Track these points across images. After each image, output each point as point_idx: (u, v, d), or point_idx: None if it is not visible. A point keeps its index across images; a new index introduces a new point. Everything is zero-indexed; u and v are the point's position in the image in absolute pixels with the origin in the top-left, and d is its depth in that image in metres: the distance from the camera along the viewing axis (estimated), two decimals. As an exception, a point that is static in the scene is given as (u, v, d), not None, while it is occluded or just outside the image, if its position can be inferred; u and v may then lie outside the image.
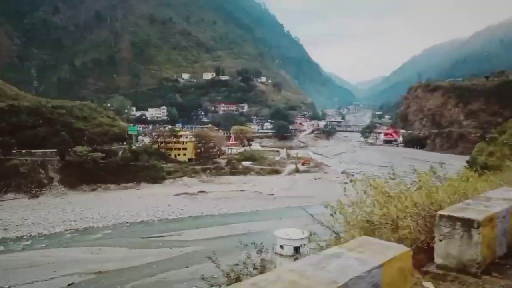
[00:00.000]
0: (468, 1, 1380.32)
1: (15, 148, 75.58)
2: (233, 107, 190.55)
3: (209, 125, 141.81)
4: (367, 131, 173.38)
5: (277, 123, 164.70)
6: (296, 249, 28.36)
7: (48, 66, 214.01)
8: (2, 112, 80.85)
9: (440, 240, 2.90)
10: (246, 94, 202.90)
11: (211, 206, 64.95)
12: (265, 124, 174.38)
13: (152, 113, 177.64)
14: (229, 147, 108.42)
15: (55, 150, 77.23)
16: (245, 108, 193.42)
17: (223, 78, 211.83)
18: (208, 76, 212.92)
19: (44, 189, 71.96)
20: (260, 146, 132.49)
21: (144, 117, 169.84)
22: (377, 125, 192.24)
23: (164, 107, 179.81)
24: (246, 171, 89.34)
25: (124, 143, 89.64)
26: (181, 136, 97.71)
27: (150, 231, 53.10)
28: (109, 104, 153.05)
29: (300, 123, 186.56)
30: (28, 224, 55.17)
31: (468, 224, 2.80)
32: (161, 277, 38.01)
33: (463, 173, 4.92)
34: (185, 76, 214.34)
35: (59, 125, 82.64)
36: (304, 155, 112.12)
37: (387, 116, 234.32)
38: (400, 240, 3.12)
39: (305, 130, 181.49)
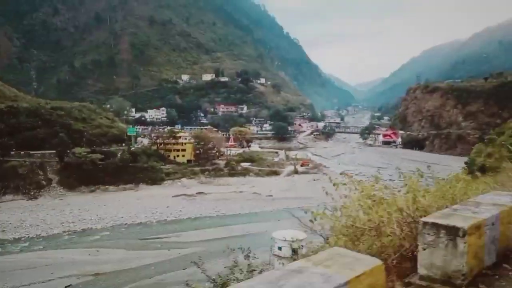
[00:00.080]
0: (467, 2, 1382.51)
1: (14, 149, 75.50)
2: (233, 108, 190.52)
3: (208, 126, 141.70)
4: (366, 132, 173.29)
5: (276, 124, 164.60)
6: (294, 251, 28.36)
7: (47, 68, 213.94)
8: (1, 114, 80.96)
9: (424, 249, 2.74)
10: (246, 96, 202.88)
11: (209, 208, 64.90)
12: (264, 125, 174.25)
13: (151, 114, 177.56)
14: (228, 149, 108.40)
15: (54, 151, 77.10)
16: (244, 109, 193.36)
17: (223, 79, 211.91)
18: (207, 77, 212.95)
19: (42, 190, 71.87)
20: (259, 147, 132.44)
21: (143, 118, 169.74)
22: (376, 126, 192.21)
23: (163, 108, 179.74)
24: (245, 173, 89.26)
25: (123, 144, 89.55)
26: (180, 137, 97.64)
27: (149, 232, 53.07)
28: (108, 106, 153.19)
29: (299, 125, 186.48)
30: (26, 225, 55.07)
31: (453, 232, 2.65)
32: (159, 278, 37.97)
33: (454, 176, 4.83)
34: (185, 77, 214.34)
35: (58, 127, 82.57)
36: (303, 157, 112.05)
37: (386, 118, 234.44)
38: (383, 248, 3.03)
39: (304, 131, 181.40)
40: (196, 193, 73.40)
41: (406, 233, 3.11)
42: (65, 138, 78.03)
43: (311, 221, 3.56)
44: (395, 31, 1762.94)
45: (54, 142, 77.06)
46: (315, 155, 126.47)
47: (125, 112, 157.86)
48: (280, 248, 30.89)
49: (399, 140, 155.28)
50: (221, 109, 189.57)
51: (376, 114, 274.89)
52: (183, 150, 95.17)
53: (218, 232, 50.26)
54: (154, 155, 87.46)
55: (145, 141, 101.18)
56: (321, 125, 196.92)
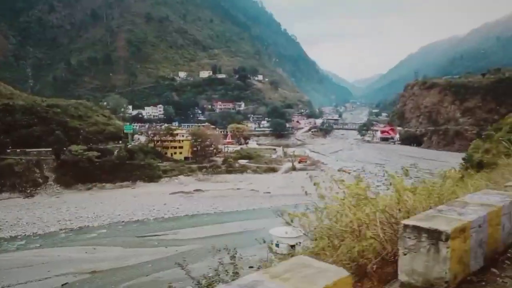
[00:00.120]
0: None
1: (10, 147, 75.17)
2: (230, 105, 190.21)
3: (206, 124, 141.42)
4: (364, 128, 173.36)
5: (274, 121, 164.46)
6: (292, 247, 28.27)
7: (43, 65, 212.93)
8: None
9: (405, 254, 2.53)
10: (243, 92, 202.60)
11: (207, 205, 64.70)
12: (262, 122, 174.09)
13: (148, 111, 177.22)
14: (226, 146, 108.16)
15: (50, 149, 76.76)
16: (242, 106, 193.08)
17: (220, 76, 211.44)
18: (204, 74, 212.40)
19: (39, 188, 71.52)
20: (257, 144, 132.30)
21: (140, 115, 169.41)
22: (374, 122, 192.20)
23: (160, 105, 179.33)
24: (242, 169, 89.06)
25: (120, 141, 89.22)
26: (177, 134, 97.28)
27: (146, 230, 52.82)
28: (105, 103, 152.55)
29: (297, 121, 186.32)
30: (23, 223, 54.76)
31: (435, 236, 2.44)
32: (156, 276, 37.72)
33: (443, 173, 4.56)
34: (182, 74, 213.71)
35: (54, 124, 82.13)
36: (301, 153, 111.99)
37: (384, 114, 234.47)
38: (365, 251, 2.81)
39: (302, 128, 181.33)
40: (194, 190, 73.19)
41: (388, 236, 2.89)
42: (61, 135, 77.59)
43: (287, 223, 3.34)
44: (393, 28, 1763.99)
45: (50, 140, 76.65)
46: (313, 151, 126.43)
47: (122, 109, 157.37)
48: (277, 245, 30.77)
49: (397, 136, 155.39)
50: (219, 106, 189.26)
51: (374, 111, 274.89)
52: (180, 147, 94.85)
53: (216, 229, 50.08)
54: (151, 153, 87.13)
55: (142, 139, 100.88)
56: (319, 121, 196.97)
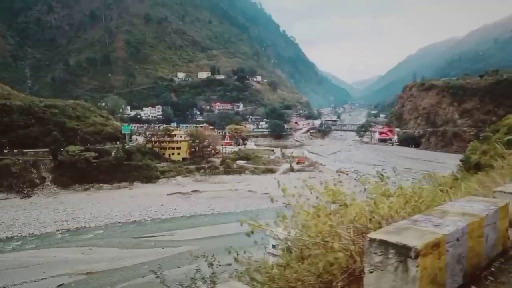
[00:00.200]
0: (464, 1, 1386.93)
1: (7, 147, 74.85)
2: (229, 106, 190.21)
3: (204, 124, 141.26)
4: (362, 130, 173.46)
5: (272, 122, 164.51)
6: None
7: (42, 66, 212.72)
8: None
9: (371, 272, 2.25)
10: (242, 93, 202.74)
11: (204, 206, 64.53)
12: (261, 123, 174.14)
13: (147, 112, 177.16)
14: (224, 146, 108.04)
15: (48, 149, 76.47)
16: (241, 107, 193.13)
17: (219, 77, 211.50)
18: (203, 75, 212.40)
19: (36, 189, 71.22)
20: (255, 145, 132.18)
21: (139, 116, 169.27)
22: (372, 124, 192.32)
23: (159, 106, 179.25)
24: (240, 170, 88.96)
25: (118, 142, 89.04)
26: (175, 135, 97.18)
27: (142, 231, 52.62)
28: (103, 104, 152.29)
29: (296, 122, 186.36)
30: (19, 224, 54.49)
31: (403, 253, 2.14)
32: (152, 277, 37.46)
33: (428, 175, 4.36)
34: (180, 75, 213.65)
35: (51, 125, 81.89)
36: (299, 154, 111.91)
37: (382, 115, 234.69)
38: (331, 266, 2.56)
39: (301, 129, 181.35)
40: (191, 191, 72.99)
41: (359, 248, 2.59)
42: (59, 136, 77.36)
43: (247, 235, 3.18)
44: (392, 29, 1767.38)
45: (48, 140, 76.41)
46: (311, 152, 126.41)
47: (120, 110, 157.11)
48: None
49: (395, 137, 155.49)
50: (217, 107, 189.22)
51: (372, 112, 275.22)
52: (178, 148, 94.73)
53: (213, 230, 49.92)
54: (149, 153, 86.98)
55: (140, 139, 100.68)
56: (317, 123, 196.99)
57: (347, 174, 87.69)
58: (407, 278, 2.14)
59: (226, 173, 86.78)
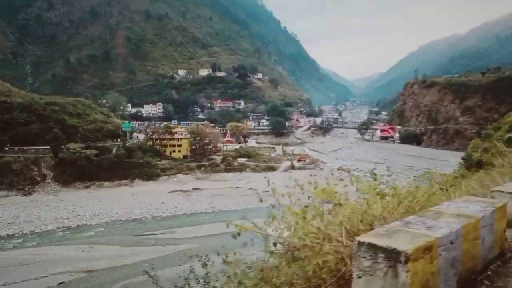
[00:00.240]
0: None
1: (8, 145, 74.95)
2: (229, 104, 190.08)
3: (205, 122, 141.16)
4: (364, 127, 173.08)
5: (274, 119, 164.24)
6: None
7: (42, 62, 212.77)
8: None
9: (359, 277, 2.15)
10: (243, 91, 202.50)
11: (205, 203, 64.51)
12: (262, 120, 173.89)
13: (147, 109, 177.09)
14: (225, 144, 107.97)
15: (48, 147, 76.49)
16: (242, 104, 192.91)
17: (219, 74, 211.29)
18: (204, 72, 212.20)
19: (37, 186, 71.32)
20: (256, 142, 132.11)
21: (139, 113, 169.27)
22: (374, 121, 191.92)
23: (159, 103, 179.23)
24: (241, 168, 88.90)
25: (118, 140, 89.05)
26: (176, 132, 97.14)
27: (143, 228, 52.65)
28: (104, 101, 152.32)
29: (297, 120, 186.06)
30: (20, 222, 54.53)
31: (392, 257, 2.03)
32: (152, 275, 37.56)
33: (426, 174, 4.26)
34: (181, 72, 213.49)
35: (52, 122, 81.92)
36: (300, 152, 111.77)
37: (384, 113, 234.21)
38: (322, 269, 2.44)
39: (302, 126, 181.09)
40: (192, 189, 73.00)
41: (349, 251, 2.45)
42: (59, 133, 77.33)
43: (233, 236, 3.05)
44: (393, 26, 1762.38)
45: (48, 138, 76.38)
46: (313, 150, 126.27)
47: (121, 107, 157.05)
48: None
49: (397, 135, 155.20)
50: (218, 104, 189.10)
51: (374, 109, 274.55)
52: (179, 145, 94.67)
53: (214, 228, 49.82)
54: (149, 151, 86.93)
55: (141, 137, 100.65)
56: (318, 120, 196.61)
57: (348, 172, 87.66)
58: (397, 284, 2.04)
59: (227, 170, 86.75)
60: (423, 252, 2.11)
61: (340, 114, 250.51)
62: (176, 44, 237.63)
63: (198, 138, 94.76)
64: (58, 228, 52.77)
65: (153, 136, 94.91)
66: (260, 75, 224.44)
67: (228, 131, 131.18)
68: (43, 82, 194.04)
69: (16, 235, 50.14)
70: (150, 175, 79.58)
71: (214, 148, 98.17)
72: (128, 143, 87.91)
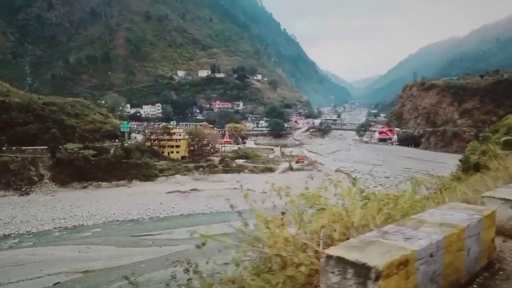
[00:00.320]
0: (464, 1, 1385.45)
1: (5, 145, 74.65)
2: (228, 105, 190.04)
3: (204, 123, 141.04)
4: (362, 129, 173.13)
5: (272, 121, 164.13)
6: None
7: (42, 63, 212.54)
8: (-8, 109, 79.94)
9: None
10: (242, 92, 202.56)
11: (203, 204, 64.33)
12: (260, 122, 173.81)
13: (147, 110, 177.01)
14: (223, 145, 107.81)
15: (46, 147, 76.26)
16: (241, 105, 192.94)
17: (219, 75, 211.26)
18: (203, 73, 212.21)
19: (34, 186, 71.07)
20: (255, 144, 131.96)
21: (138, 114, 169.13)
22: (372, 123, 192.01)
23: (159, 104, 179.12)
24: (239, 169, 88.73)
25: (117, 140, 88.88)
26: (174, 133, 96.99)
27: (140, 229, 52.46)
28: (103, 101, 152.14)
29: (296, 121, 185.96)
30: (17, 222, 54.32)
31: (362, 274, 1.84)
32: (148, 276, 37.41)
33: (413, 181, 4.03)
34: (180, 73, 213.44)
35: (50, 122, 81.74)
36: (298, 153, 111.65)
37: (382, 115, 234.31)
38: (292, 281, 2.22)
39: (300, 128, 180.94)
40: (190, 190, 72.79)
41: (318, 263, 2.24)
42: (57, 133, 77.14)
43: (198, 246, 2.76)
44: (393, 28, 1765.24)
45: (46, 138, 76.18)
46: (311, 152, 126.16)
47: (120, 108, 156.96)
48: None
49: (395, 137, 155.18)
50: (217, 105, 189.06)
51: (372, 111, 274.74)
52: (178, 146, 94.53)
53: (211, 229, 49.00)
54: (147, 151, 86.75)
55: (139, 137, 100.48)
56: (317, 122, 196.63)
57: (346, 174, 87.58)
58: None
59: (225, 171, 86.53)
60: (397, 267, 1.91)
61: (339, 116, 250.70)
62: (176, 45, 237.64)
63: (197, 139, 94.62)
64: (55, 228, 52.57)
65: (151, 137, 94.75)
66: (259, 77, 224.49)
67: (227, 132, 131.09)
68: (43, 83, 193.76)
69: (13, 235, 49.94)
70: (148, 175, 79.36)
71: (212, 149, 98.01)
72: (126, 144, 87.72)
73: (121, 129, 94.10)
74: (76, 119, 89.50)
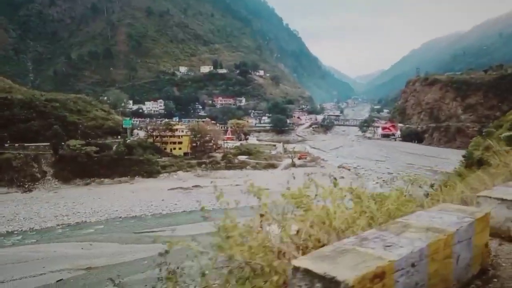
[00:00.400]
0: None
1: (8, 141, 74.89)
2: (231, 101, 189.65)
3: (206, 119, 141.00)
4: (365, 125, 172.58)
5: (275, 117, 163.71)
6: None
7: (44, 59, 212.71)
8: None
9: None
10: (244, 88, 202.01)
11: (205, 201, 63.62)
12: (263, 117, 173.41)
13: (149, 106, 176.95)
14: (225, 141, 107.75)
15: (49, 143, 76.45)
16: (243, 101, 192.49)
17: (221, 71, 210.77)
18: (205, 69, 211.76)
19: (37, 183, 71.31)
20: (257, 140, 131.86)
21: (141, 110, 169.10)
22: (375, 119, 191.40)
23: (161, 100, 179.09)
24: (242, 165, 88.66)
25: (119, 136, 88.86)
26: (176, 130, 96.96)
27: (143, 226, 52.57)
28: (105, 98, 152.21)
29: (298, 117, 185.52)
30: (20, 218, 54.58)
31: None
32: (151, 273, 37.48)
33: (409, 179, 3.82)
34: (182, 69, 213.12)
35: (52, 119, 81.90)
36: (301, 149, 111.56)
37: (385, 110, 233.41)
38: None
39: (303, 124, 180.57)
40: (192, 186, 72.79)
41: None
42: (60, 130, 77.25)
43: (160, 254, 2.58)
44: (396, 23, 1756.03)
45: (49, 134, 76.34)
46: (314, 148, 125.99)
47: (122, 104, 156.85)
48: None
49: (398, 133, 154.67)
50: (219, 101, 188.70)
51: (375, 107, 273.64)
52: (180, 142, 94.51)
53: (213, 226, 49.70)
54: (150, 148, 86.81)
55: (141, 134, 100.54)
56: (320, 117, 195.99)
57: (349, 170, 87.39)
58: None
59: (228, 168, 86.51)
60: (371, 281, 1.72)
61: (341, 112, 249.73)
62: (178, 41, 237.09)
63: (199, 135, 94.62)
64: (58, 225, 52.77)
65: (154, 133, 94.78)
66: (261, 72, 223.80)
67: (229, 129, 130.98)
68: (45, 79, 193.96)
69: (16, 232, 50.18)
70: (151, 172, 79.45)
71: (214, 146, 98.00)
72: (129, 140, 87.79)
73: (123, 126, 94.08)
74: (78, 116, 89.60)
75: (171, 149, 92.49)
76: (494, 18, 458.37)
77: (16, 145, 74.69)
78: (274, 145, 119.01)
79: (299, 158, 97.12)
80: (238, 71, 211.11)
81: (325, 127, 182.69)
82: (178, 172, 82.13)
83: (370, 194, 3.11)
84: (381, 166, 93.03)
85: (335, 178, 3.20)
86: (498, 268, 2.71)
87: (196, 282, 2.38)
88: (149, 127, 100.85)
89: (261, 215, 2.64)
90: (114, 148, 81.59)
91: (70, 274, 37.39)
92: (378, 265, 1.78)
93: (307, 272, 1.75)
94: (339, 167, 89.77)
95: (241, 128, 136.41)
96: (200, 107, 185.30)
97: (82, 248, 43.90)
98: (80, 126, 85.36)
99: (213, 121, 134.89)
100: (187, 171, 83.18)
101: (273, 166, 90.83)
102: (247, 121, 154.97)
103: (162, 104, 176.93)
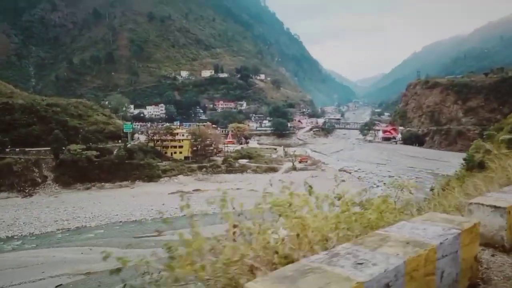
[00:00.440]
0: (465, 0, 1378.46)
1: (9, 146, 75.03)
2: (232, 105, 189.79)
3: (207, 123, 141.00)
4: (366, 128, 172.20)
5: (276, 120, 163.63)
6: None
7: (46, 64, 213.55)
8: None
9: None
10: (245, 92, 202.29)
11: (206, 205, 63.91)
12: (264, 121, 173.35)
13: (150, 111, 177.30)
14: (226, 145, 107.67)
15: (49, 148, 76.52)
16: (244, 105, 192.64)
17: (222, 75, 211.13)
18: (206, 73, 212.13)
19: (37, 188, 71.31)
20: (258, 144, 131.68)
21: (142, 115, 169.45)
22: (376, 122, 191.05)
23: (162, 104, 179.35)
24: (242, 169, 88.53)
25: (120, 141, 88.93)
26: (177, 134, 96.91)
27: (143, 230, 52.26)
28: (107, 102, 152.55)
29: (299, 121, 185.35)
30: (20, 223, 54.51)
31: None
32: (151, 278, 37.30)
33: (395, 184, 3.62)
34: (184, 73, 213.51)
35: (53, 123, 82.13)
36: (302, 153, 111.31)
37: (386, 114, 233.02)
38: None
39: (304, 127, 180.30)
40: (193, 190, 72.52)
41: None
42: (61, 135, 77.31)
43: (111, 272, 2.40)
44: (396, 27, 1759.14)
45: (50, 139, 76.40)
46: (314, 151, 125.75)
47: (124, 108, 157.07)
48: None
49: (399, 136, 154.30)
50: (220, 105, 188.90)
51: (376, 110, 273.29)
52: (180, 146, 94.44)
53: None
54: (150, 152, 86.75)
55: (142, 138, 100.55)
56: (321, 121, 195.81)
57: (350, 173, 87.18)
58: None
59: (228, 172, 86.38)
60: None
61: (342, 115, 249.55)
62: (179, 46, 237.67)
63: (199, 139, 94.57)
64: (58, 230, 52.69)
65: (154, 137, 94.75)
66: (262, 76, 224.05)
67: (230, 132, 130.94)
68: (47, 84, 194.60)
69: (16, 237, 50.09)
70: (151, 176, 79.34)
71: (215, 149, 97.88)
72: (129, 144, 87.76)
73: (124, 130, 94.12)
74: (79, 120, 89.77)
75: (171, 153, 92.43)
76: (495, 21, 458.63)
77: (17, 149, 74.85)
78: (275, 149, 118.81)
79: (300, 162, 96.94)
80: (239, 75, 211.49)
81: (326, 130, 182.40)
82: (179, 176, 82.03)
83: (353, 201, 2.91)
84: (382, 169, 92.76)
85: (310, 186, 2.91)
86: (489, 283, 2.51)
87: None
88: (149, 131, 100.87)
89: (235, 226, 2.53)
90: (115, 152, 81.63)
91: (70, 279, 37.24)
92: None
93: None
94: (340, 170, 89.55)
95: (242, 132, 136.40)
96: (201, 111, 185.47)
97: (82, 253, 43.73)
98: (81, 130, 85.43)
99: (214, 125, 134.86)
100: (187, 175, 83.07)
101: (274, 170, 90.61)
102: (248, 125, 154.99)
103: (163, 109, 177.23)
